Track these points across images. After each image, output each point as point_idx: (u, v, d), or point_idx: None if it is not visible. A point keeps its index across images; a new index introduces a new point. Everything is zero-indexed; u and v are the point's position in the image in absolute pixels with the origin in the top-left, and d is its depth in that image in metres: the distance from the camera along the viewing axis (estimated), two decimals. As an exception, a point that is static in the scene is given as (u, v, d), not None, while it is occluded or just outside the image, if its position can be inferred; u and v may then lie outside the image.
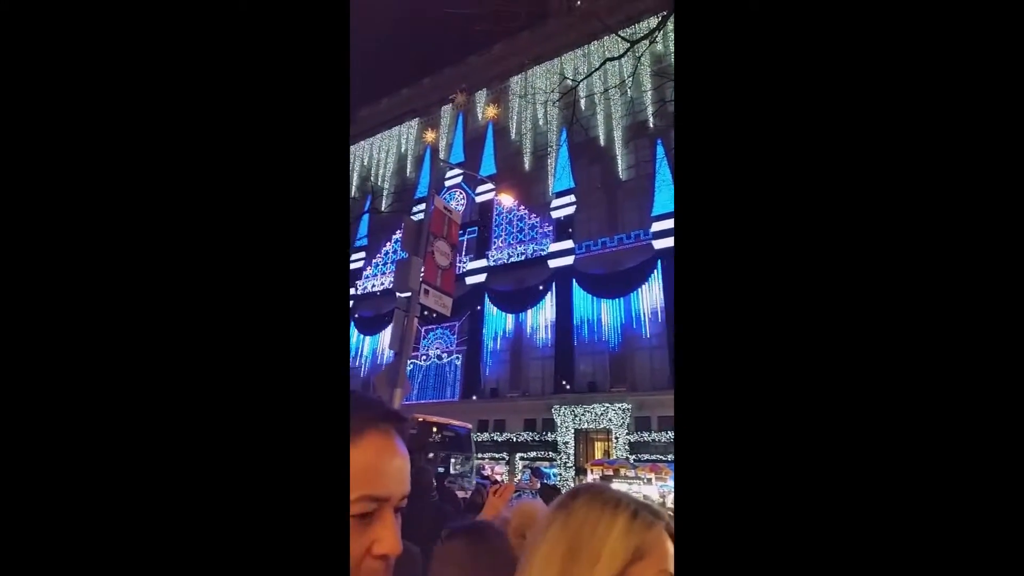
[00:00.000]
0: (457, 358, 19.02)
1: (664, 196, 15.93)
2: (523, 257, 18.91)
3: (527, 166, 20.29)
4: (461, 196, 21.34)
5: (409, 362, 5.86)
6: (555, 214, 18.67)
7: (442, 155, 21.57)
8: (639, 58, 5.81)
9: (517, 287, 18.41)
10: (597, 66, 6.45)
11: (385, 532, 0.47)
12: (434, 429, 9.73)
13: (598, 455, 14.91)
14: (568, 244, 17.87)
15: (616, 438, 14.94)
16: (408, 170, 23.93)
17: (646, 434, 14.39)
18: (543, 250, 18.47)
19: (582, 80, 7.44)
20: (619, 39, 5.95)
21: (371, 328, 20.95)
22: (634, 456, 13.80)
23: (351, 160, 26.57)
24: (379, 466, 0.48)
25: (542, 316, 17.84)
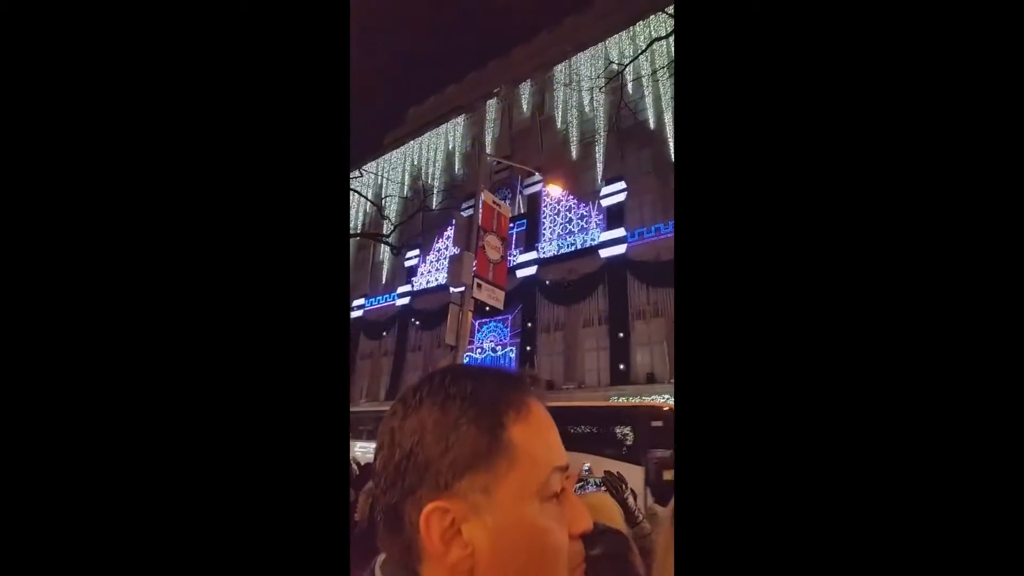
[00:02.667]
0: (511, 350, 19.17)
1: (720, 177, 15.13)
2: (573, 248, 18.73)
3: (574, 155, 20.02)
4: (509, 190, 21.39)
5: (465, 355, 5.97)
6: (605, 202, 18.33)
7: (489, 150, 21.70)
8: (689, 35, 5.56)
9: (568, 278, 18.27)
10: (644, 48, 6.24)
11: (578, 509, 0.42)
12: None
13: (658, 446, 14.57)
14: (620, 232, 17.52)
15: (677, 429, 14.54)
16: (456, 166, 24.27)
17: (708, 425, 13.84)
18: (594, 240, 18.21)
19: (629, 63, 7.23)
20: (667, 16, 5.72)
21: (428, 324, 21.49)
22: (696, 447, 13.36)
23: (402, 160, 27.26)
24: (553, 437, 0.42)
25: (595, 306, 17.62)
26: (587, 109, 19.97)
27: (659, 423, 7.97)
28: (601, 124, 19.09)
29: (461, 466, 0.38)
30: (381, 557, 0.42)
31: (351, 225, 25.22)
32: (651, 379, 15.68)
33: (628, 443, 8.05)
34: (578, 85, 18.96)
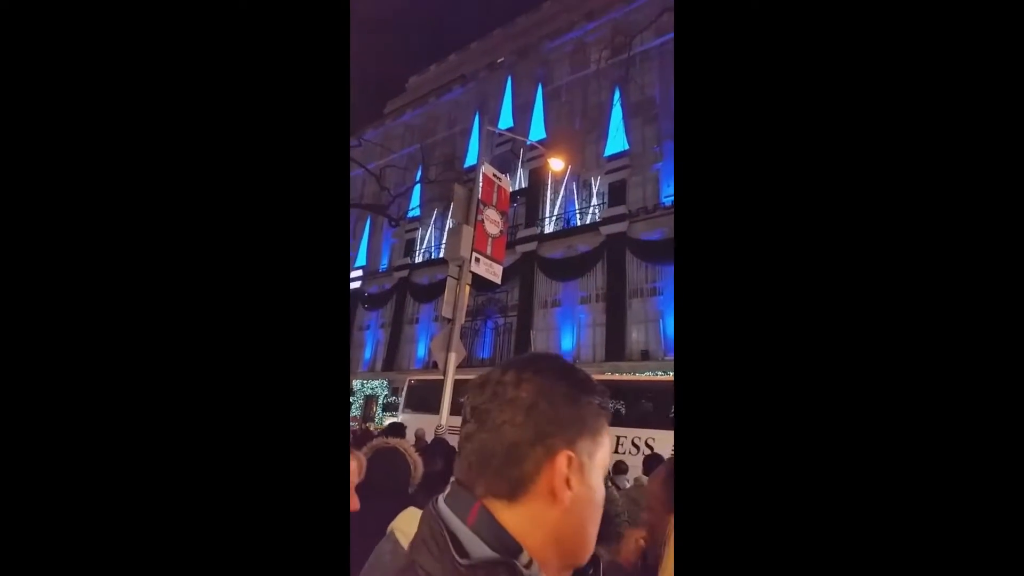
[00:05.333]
0: (509, 326, 19.26)
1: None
2: (574, 224, 18.63)
3: (578, 129, 19.71)
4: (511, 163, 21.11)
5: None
6: (608, 178, 18.14)
7: (490, 121, 21.33)
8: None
9: (567, 254, 18.23)
10: (654, 17, 6.08)
11: None
12: None
13: (651, 423, 14.81)
14: (621, 209, 17.39)
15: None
16: (457, 138, 23.91)
17: (701, 403, 14.03)
18: (595, 216, 18.09)
19: (636, 34, 7.05)
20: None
21: (425, 296, 21.55)
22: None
23: (403, 131, 26.84)
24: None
25: (593, 283, 17.64)
26: (592, 82, 19.55)
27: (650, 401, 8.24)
28: (606, 98, 18.75)
29: (584, 430, 0.49)
30: (444, 493, 0.49)
31: (353, 196, 24.97)
32: (645, 356, 15.83)
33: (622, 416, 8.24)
34: (584, 57, 18.49)
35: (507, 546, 0.45)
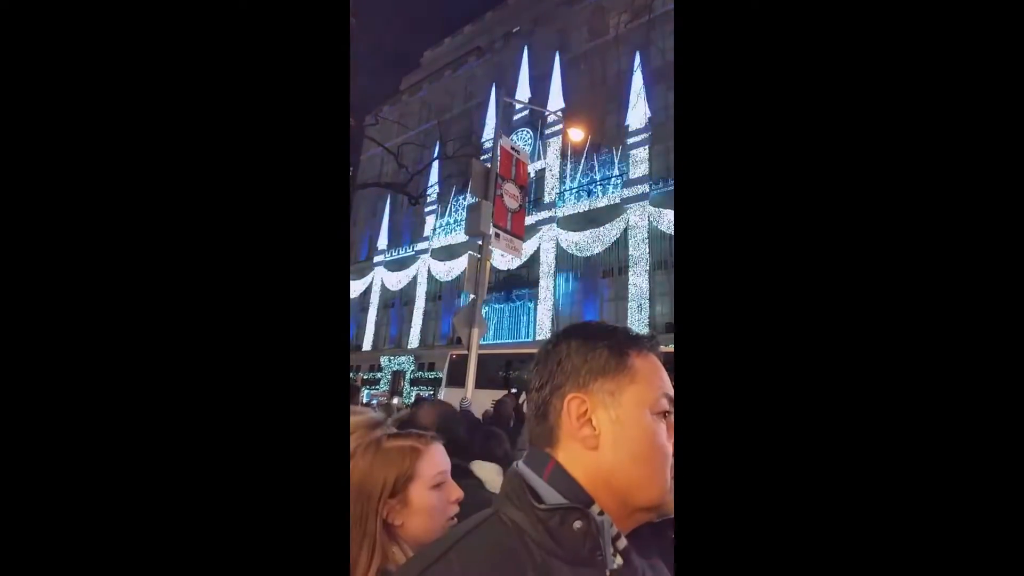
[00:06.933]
0: (531, 300, 19.30)
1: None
2: (595, 196, 18.33)
3: (598, 99, 19.18)
4: (530, 136, 20.78)
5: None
6: (630, 148, 17.69)
7: (507, 93, 20.94)
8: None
9: (589, 227, 18.00)
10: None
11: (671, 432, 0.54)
12: None
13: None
14: (644, 179, 17.00)
15: (694, 378, 14.63)
16: (474, 112, 23.59)
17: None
18: (617, 188, 17.74)
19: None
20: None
21: (447, 273, 21.68)
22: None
23: (419, 107, 26.59)
24: (663, 374, 0.56)
25: (616, 257, 17.43)
26: (612, 49, 18.90)
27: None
28: (626, 65, 18.13)
29: (595, 373, 0.54)
30: (522, 456, 0.56)
31: (372, 175, 25.04)
32: (670, 328, 15.68)
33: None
34: (603, 23, 17.83)
35: (579, 497, 0.51)
